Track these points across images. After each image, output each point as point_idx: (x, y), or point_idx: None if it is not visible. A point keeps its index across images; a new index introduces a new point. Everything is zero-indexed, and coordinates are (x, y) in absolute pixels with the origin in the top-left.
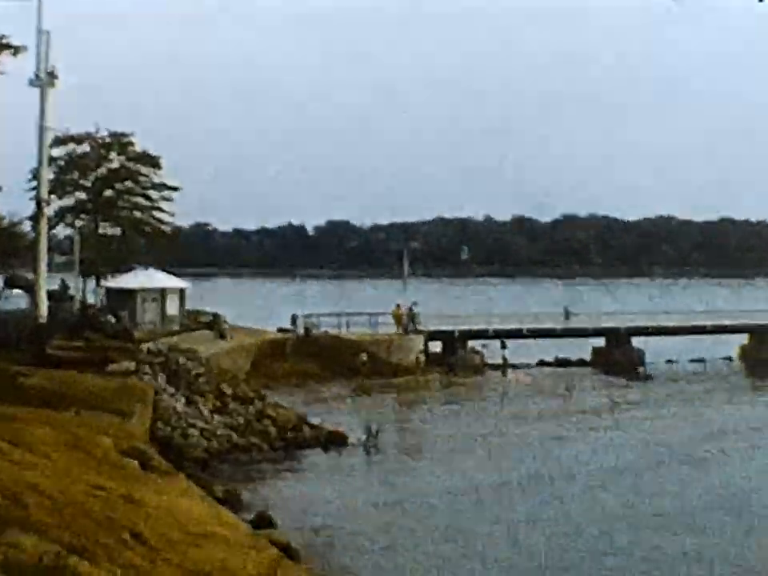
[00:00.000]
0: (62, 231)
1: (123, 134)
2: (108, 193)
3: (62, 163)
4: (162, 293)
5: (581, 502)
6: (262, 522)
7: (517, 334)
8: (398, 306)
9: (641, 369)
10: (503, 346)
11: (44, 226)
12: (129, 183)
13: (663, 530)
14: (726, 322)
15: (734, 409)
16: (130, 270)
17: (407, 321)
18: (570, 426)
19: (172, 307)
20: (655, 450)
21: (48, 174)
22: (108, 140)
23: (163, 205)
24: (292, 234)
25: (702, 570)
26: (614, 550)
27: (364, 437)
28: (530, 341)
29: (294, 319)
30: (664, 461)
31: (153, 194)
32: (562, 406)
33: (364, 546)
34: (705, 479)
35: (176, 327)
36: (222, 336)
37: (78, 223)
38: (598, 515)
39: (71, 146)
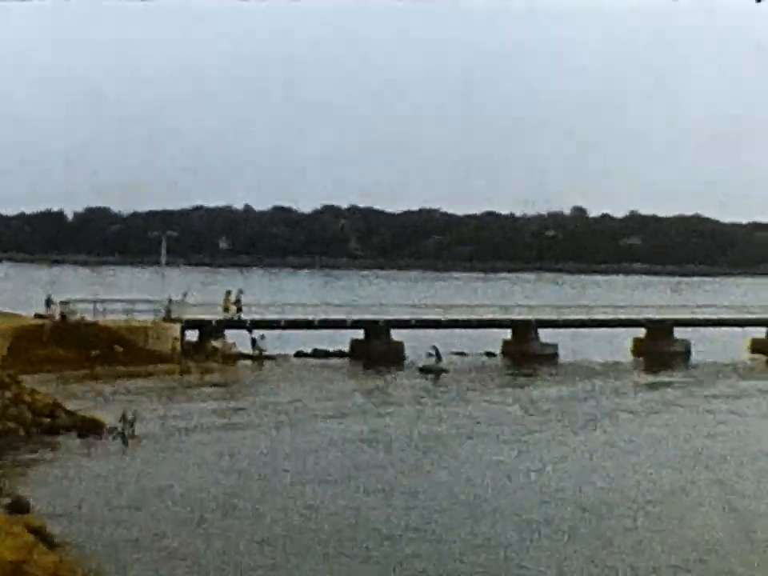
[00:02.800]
0: None
1: None
2: None
3: None
4: None
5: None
6: (18, 507)
7: (275, 325)
8: (228, 293)
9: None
10: (261, 337)
11: None
12: None
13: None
14: (490, 317)
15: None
16: None
17: (167, 309)
18: (307, 415)
19: None
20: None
21: None
22: None
23: None
24: (51, 220)
25: None
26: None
27: (120, 424)
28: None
29: (48, 303)
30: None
31: None
32: (314, 395)
33: (118, 531)
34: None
35: None
36: None
37: None
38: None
39: None
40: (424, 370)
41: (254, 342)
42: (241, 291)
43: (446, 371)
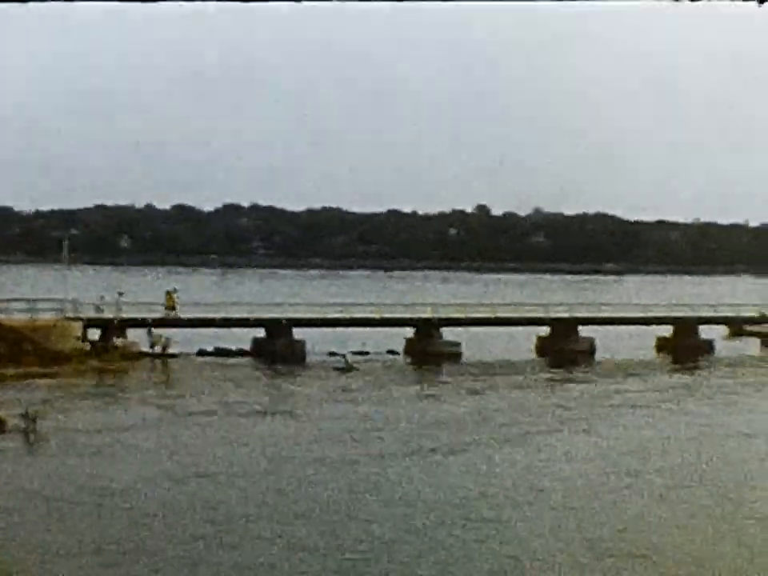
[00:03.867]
0: None
1: None
2: None
3: None
4: None
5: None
6: None
7: (177, 324)
8: (169, 292)
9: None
10: (150, 332)
11: None
12: None
13: None
14: (393, 315)
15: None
16: None
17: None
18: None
19: None
20: None
21: None
22: None
23: None
24: None
25: None
26: None
27: (22, 422)
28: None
29: None
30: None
31: None
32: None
33: (21, 529)
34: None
35: None
36: None
37: None
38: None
39: None
40: (337, 369)
41: (152, 343)
42: (175, 290)
43: (356, 369)
